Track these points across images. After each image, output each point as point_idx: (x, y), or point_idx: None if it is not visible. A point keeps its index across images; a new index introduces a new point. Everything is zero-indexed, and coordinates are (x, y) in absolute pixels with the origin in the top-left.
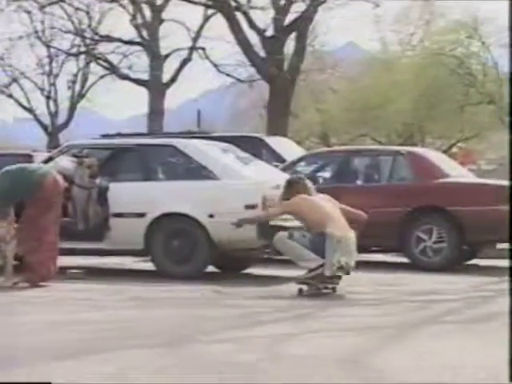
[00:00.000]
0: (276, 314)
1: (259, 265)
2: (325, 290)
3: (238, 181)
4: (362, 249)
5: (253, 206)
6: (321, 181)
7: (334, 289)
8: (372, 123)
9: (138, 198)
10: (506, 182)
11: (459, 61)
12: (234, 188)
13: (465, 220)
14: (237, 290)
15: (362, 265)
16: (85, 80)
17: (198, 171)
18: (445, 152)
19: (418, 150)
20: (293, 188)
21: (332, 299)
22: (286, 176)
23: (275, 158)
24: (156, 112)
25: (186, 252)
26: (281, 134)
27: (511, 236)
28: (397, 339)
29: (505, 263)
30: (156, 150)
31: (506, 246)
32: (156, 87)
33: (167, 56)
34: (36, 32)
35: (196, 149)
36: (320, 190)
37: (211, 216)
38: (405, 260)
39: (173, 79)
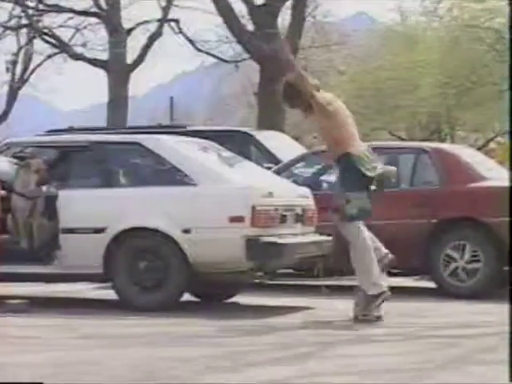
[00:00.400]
0: (269, 354)
1: (248, 292)
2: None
3: (221, 187)
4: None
5: (239, 219)
6: (325, 186)
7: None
8: (389, 113)
9: (96, 209)
10: None
11: (498, 34)
12: (215, 196)
13: (505, 234)
14: (220, 323)
15: None
16: (28, 60)
17: (170, 175)
18: (480, 149)
19: (447, 146)
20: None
21: (340, 334)
22: (281, 180)
23: (268, 157)
24: (118, 100)
25: (155, 277)
26: (275, 128)
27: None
28: None
29: None
30: (118, 149)
31: None
32: (118, 69)
33: (131, 30)
34: None
35: (168, 147)
36: (323, 198)
37: (187, 231)
38: (431, 284)
39: (139, 59)
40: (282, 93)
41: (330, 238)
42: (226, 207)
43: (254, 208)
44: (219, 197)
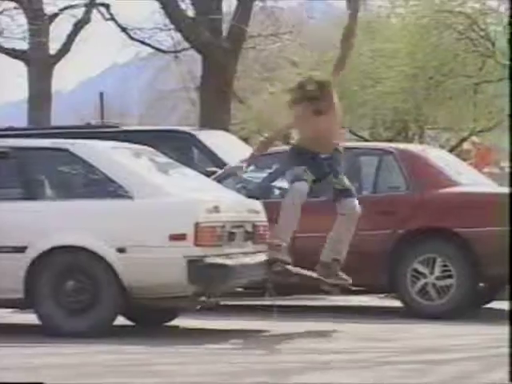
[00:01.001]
0: None
1: (191, 314)
2: None
3: (161, 201)
4: (339, 289)
5: (181, 237)
6: (277, 192)
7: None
8: (350, 111)
9: (16, 225)
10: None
11: (471, 20)
12: (154, 211)
13: (481, 246)
14: (159, 350)
15: (339, 311)
16: None
17: (103, 186)
18: (453, 150)
19: (414, 147)
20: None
21: (295, 361)
22: (227, 192)
23: (212, 160)
24: (40, 96)
25: (83, 299)
26: (220, 127)
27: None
28: None
29: None
30: (41, 156)
31: None
32: (39, 61)
33: (54, 16)
34: None
35: (100, 154)
36: (276, 206)
37: (121, 250)
38: (398, 304)
39: (64, 50)
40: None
41: None
42: (166, 224)
43: (197, 225)
44: (158, 212)
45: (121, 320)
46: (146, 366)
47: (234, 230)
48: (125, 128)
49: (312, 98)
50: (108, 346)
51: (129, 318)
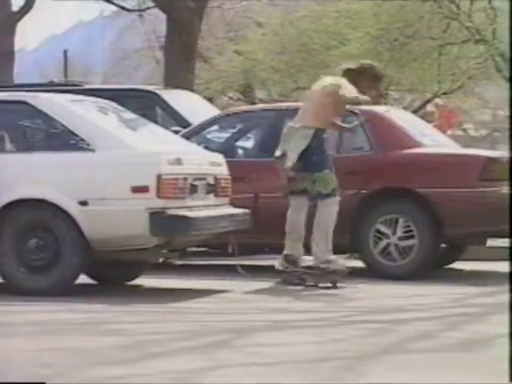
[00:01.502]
0: (175, 343)
1: (154, 273)
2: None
3: (122, 153)
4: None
5: (143, 189)
6: (240, 152)
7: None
8: (314, 71)
9: None
10: (500, 153)
11: None
12: (115, 163)
13: (443, 206)
14: (121, 309)
15: None
16: None
17: (63, 139)
18: (417, 111)
19: (378, 108)
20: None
21: (257, 320)
22: (190, 146)
23: (176, 119)
24: (3, 54)
25: (46, 256)
26: (184, 87)
27: None
28: (347, 377)
29: (499, 266)
30: (0, 109)
31: (501, 242)
32: (1, 18)
33: None
34: None
35: (61, 107)
36: (240, 166)
37: (83, 203)
38: (360, 264)
39: (27, 6)
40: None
41: (247, 212)
42: (128, 176)
43: (159, 177)
44: (120, 164)
45: (83, 278)
46: (106, 324)
47: (196, 183)
48: (88, 86)
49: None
50: (70, 305)
51: (91, 277)
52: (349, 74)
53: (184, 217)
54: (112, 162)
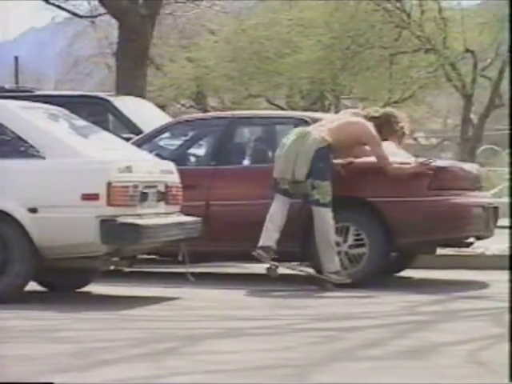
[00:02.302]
0: (124, 350)
1: (103, 281)
2: None
3: (73, 160)
4: (250, 257)
5: (93, 197)
6: (192, 160)
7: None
8: (266, 79)
9: None
10: (449, 163)
11: None
12: (65, 171)
13: (393, 215)
14: (70, 315)
15: (249, 279)
16: None
17: (13, 146)
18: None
19: (329, 116)
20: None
21: (207, 328)
22: (141, 153)
23: (127, 126)
24: None
25: None
26: (136, 94)
27: None
28: None
29: (448, 274)
30: None
31: (450, 250)
32: None
33: None
34: None
35: (10, 113)
36: (191, 174)
37: (33, 210)
38: (310, 271)
39: None
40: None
41: (198, 219)
42: (78, 183)
43: (109, 184)
44: (70, 172)
45: (33, 285)
46: (56, 331)
47: (146, 191)
48: (40, 93)
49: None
50: (18, 312)
51: (41, 284)
52: (373, 120)
53: (134, 225)
54: (62, 169)
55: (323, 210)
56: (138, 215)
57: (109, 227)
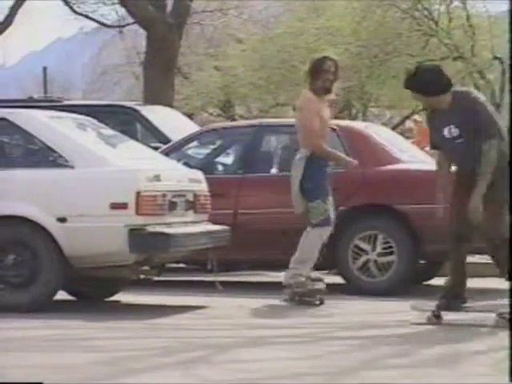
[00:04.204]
0: (154, 359)
1: (132, 289)
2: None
3: (102, 170)
4: (279, 265)
5: (122, 206)
6: (220, 168)
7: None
8: (294, 88)
9: None
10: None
11: None
12: (95, 180)
13: (421, 223)
14: (99, 325)
15: (277, 287)
16: None
17: (43, 156)
18: (396, 127)
19: (357, 124)
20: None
21: (234, 337)
22: (169, 162)
23: (155, 136)
24: None
25: (24, 272)
26: (164, 103)
27: None
28: None
29: (477, 283)
30: None
31: (479, 259)
32: None
33: None
34: None
35: (40, 123)
36: (219, 183)
37: (62, 220)
38: (339, 280)
39: (6, 22)
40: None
41: (226, 228)
42: (107, 193)
43: (138, 194)
44: (99, 181)
45: (62, 294)
46: (85, 340)
47: (174, 200)
48: (68, 102)
49: None
50: (48, 321)
51: (70, 293)
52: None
53: (163, 234)
54: (91, 178)
55: (314, 230)
56: (167, 224)
57: (137, 236)
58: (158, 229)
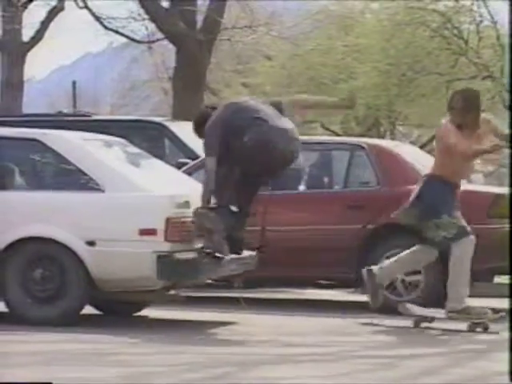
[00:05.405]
0: (181, 374)
1: (160, 304)
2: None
3: (132, 195)
4: (305, 282)
5: (151, 232)
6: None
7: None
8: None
9: None
10: (507, 190)
11: (444, 18)
12: (124, 205)
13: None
14: (127, 340)
15: (303, 304)
16: None
17: (73, 178)
18: (424, 146)
19: (386, 143)
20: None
21: (262, 354)
22: (198, 186)
23: (183, 151)
24: (12, 84)
25: (53, 287)
26: (192, 119)
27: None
28: None
29: (506, 303)
30: (12, 146)
31: (508, 279)
32: (12, 48)
33: (28, 3)
34: None
35: (72, 146)
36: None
37: (91, 243)
38: (366, 299)
39: (37, 37)
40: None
41: (254, 254)
42: (137, 218)
43: (168, 220)
44: (129, 206)
45: (89, 309)
46: (111, 355)
47: None
48: (96, 117)
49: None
50: (74, 335)
51: (97, 308)
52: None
53: (192, 261)
54: (121, 203)
55: (454, 249)
56: (195, 250)
57: (166, 263)
58: (187, 256)
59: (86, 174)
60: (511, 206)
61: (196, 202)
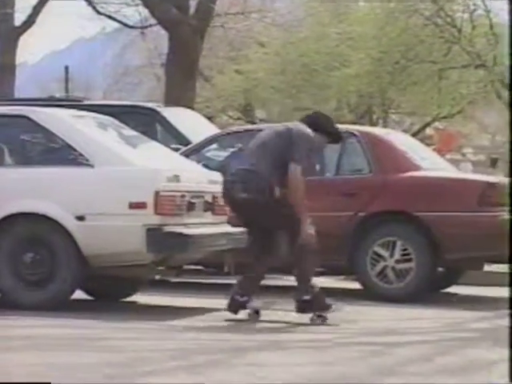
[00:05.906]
0: (169, 361)
1: (149, 290)
2: None
3: (121, 169)
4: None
5: (141, 205)
6: None
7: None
8: (315, 92)
9: None
10: (498, 178)
11: (437, 6)
12: (114, 179)
13: (440, 230)
14: (115, 325)
15: (292, 291)
16: None
17: (62, 154)
18: (416, 134)
19: (378, 130)
20: None
21: (252, 340)
22: (189, 163)
23: (175, 137)
24: (4, 68)
25: (42, 271)
26: (184, 105)
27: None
28: None
29: (495, 291)
30: (1, 123)
31: (498, 267)
32: (4, 32)
33: None
34: None
35: (61, 122)
36: None
37: (81, 218)
38: (356, 286)
39: (29, 21)
40: None
41: (243, 230)
42: (126, 192)
43: (157, 193)
44: (118, 180)
45: (79, 294)
46: (99, 340)
47: (193, 200)
48: (88, 102)
49: None
50: (63, 320)
51: (87, 293)
52: None
53: (181, 234)
54: (110, 177)
55: None
56: (185, 225)
57: (155, 236)
58: (176, 229)
59: (75, 150)
60: (511, 196)
61: (185, 177)
